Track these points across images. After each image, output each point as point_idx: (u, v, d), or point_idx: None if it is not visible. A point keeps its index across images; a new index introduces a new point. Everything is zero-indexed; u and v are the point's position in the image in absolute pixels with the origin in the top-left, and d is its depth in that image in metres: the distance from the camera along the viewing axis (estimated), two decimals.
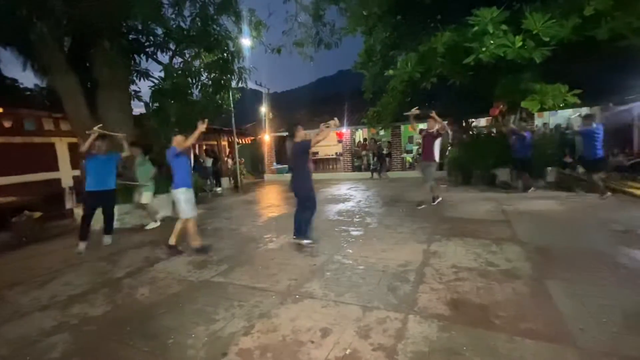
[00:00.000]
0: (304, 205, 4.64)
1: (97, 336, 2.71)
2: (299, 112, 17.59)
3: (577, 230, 4.74)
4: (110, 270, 4.26)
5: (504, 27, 5.70)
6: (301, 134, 4.60)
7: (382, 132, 15.42)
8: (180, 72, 8.62)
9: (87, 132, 4.86)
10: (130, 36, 8.17)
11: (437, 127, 6.52)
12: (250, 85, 12.15)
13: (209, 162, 12.25)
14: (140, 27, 8.14)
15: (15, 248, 5.61)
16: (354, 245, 4.62)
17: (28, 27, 6.27)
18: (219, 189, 12.40)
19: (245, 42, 10.21)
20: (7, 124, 7.89)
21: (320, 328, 2.55)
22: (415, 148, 16.43)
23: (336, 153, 17.12)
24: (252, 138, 17.50)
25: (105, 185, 5.20)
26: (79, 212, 6.20)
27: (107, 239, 5.41)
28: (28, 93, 9.88)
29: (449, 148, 11.70)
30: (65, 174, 8.96)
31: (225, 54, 9.11)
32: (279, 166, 17.17)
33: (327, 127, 4.54)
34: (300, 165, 4.60)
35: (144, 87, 8.47)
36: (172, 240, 4.78)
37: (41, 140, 8.53)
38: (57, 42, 6.77)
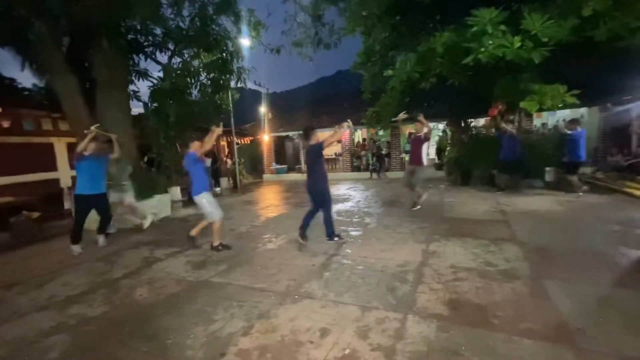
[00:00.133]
0: (321, 205, 4.76)
1: (95, 337, 2.71)
2: (299, 112, 17.58)
3: (576, 230, 4.75)
4: (109, 271, 4.25)
5: (502, 27, 5.71)
6: (316, 137, 4.70)
7: (381, 132, 15.42)
8: (179, 72, 8.62)
9: (85, 131, 4.81)
10: (129, 36, 8.16)
11: (425, 130, 6.42)
12: (250, 85, 12.16)
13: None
14: (139, 27, 8.14)
15: (14, 248, 5.59)
16: (353, 246, 4.62)
17: (26, 26, 6.26)
18: (218, 189, 12.38)
19: (245, 42, 10.21)
20: (5, 124, 7.86)
21: (319, 328, 2.55)
22: None
23: (335, 153, 17.13)
24: (251, 138, 17.49)
25: (98, 189, 5.07)
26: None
27: (101, 240, 5.33)
28: (26, 93, 9.85)
29: (448, 148, 11.72)
30: (64, 174, 8.93)
31: (224, 54, 9.12)
32: (278, 166, 17.17)
33: (341, 128, 4.68)
34: (315, 167, 4.71)
35: (142, 87, 8.47)
36: (193, 232, 4.87)
37: (40, 140, 8.50)
38: (55, 42, 6.75)
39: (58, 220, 7.41)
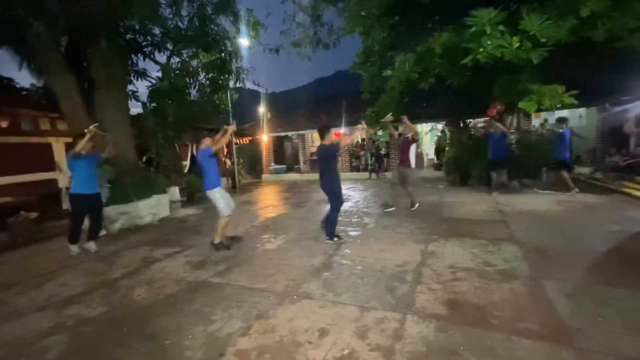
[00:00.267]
0: (334, 200, 4.85)
1: (93, 337, 2.70)
2: (297, 113, 17.57)
3: (574, 230, 4.76)
4: (108, 271, 4.24)
5: (501, 27, 5.73)
6: (331, 137, 4.78)
7: (380, 133, 15.42)
8: (177, 72, 8.62)
9: (85, 130, 4.77)
10: (128, 36, 8.15)
11: (411, 132, 6.38)
12: (248, 85, 12.15)
13: None
14: (137, 27, 8.13)
15: (12, 249, 5.58)
16: (352, 246, 4.62)
17: (24, 26, 6.23)
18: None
19: (243, 42, 10.20)
20: (3, 124, 7.84)
21: (318, 328, 2.55)
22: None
23: None
24: (250, 138, 17.48)
25: (94, 189, 5.01)
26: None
27: (93, 246, 5.08)
28: (24, 93, 9.83)
29: (447, 148, 11.73)
30: (62, 174, 8.91)
31: (223, 54, 9.12)
32: (277, 166, 17.16)
33: (356, 130, 4.85)
34: (328, 167, 4.81)
35: (141, 87, 8.46)
36: (216, 240, 4.81)
37: (38, 140, 8.47)
38: (53, 42, 6.73)
39: (56, 220, 7.39)
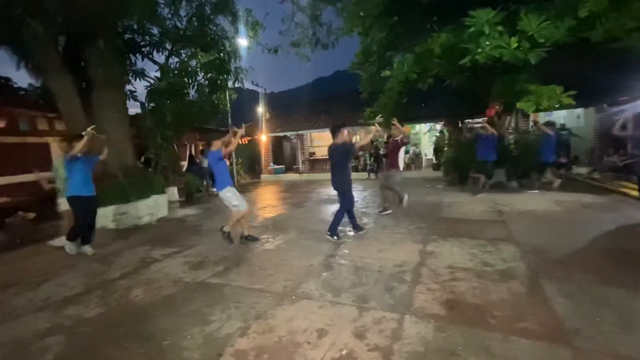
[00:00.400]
0: (342, 202, 4.94)
1: (91, 338, 2.69)
2: (296, 113, 17.57)
3: (573, 230, 4.76)
4: (106, 271, 4.22)
5: (499, 28, 5.74)
6: (343, 136, 4.84)
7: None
8: (176, 72, 8.60)
9: (82, 133, 4.74)
10: (126, 36, 8.14)
11: (400, 135, 6.36)
12: (247, 85, 12.14)
13: (205, 162, 12.20)
14: (136, 27, 8.12)
15: (9, 249, 5.55)
16: (351, 246, 4.62)
17: (22, 26, 6.21)
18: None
19: (242, 42, 10.19)
20: (1, 124, 7.81)
21: (316, 329, 2.54)
22: (411, 149, 16.46)
23: None
24: (249, 138, 17.48)
25: (91, 191, 4.91)
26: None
27: (89, 249, 4.96)
28: (22, 92, 9.80)
29: (445, 149, 11.75)
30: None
31: (221, 54, 9.11)
32: (276, 166, 17.15)
33: (369, 132, 4.94)
34: (340, 165, 4.88)
35: (139, 87, 8.44)
36: (226, 228, 4.92)
37: (35, 140, 8.44)
38: (51, 42, 6.71)
39: (54, 220, 7.35)
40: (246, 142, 17.65)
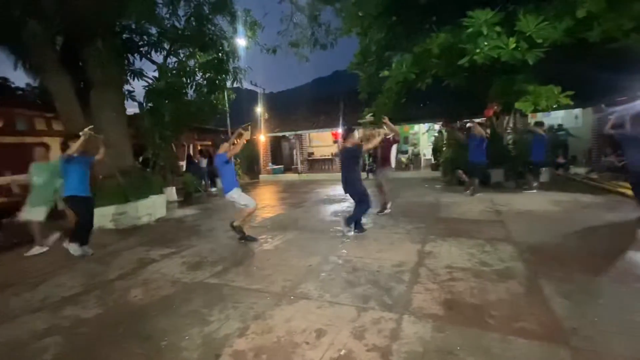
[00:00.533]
0: (361, 201, 5.00)
1: (89, 339, 2.68)
2: (295, 113, 17.56)
3: (571, 230, 4.77)
4: (104, 272, 4.21)
5: (497, 28, 5.75)
6: (354, 139, 4.94)
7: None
8: (174, 71, 8.59)
9: (79, 133, 4.72)
10: (124, 35, 8.13)
11: (392, 133, 6.29)
12: (246, 85, 12.13)
13: (203, 162, 12.20)
14: (134, 27, 8.10)
15: (7, 249, 5.53)
16: (349, 246, 4.62)
17: (20, 25, 6.19)
18: (213, 189, 12.35)
19: (241, 42, 10.19)
20: None
21: (315, 329, 2.54)
22: (410, 149, 16.47)
23: (332, 154, 17.13)
24: (248, 139, 17.48)
25: (87, 191, 4.84)
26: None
27: (87, 249, 4.90)
28: (20, 92, 9.78)
29: (444, 149, 11.76)
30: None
31: (220, 54, 9.11)
32: (275, 167, 17.14)
33: (379, 134, 5.11)
34: (350, 168, 4.96)
35: (138, 86, 8.42)
36: (236, 222, 5.10)
37: (33, 140, 8.41)
38: (49, 41, 6.70)
39: (51, 221, 7.33)
40: (245, 142, 17.67)
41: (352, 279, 3.47)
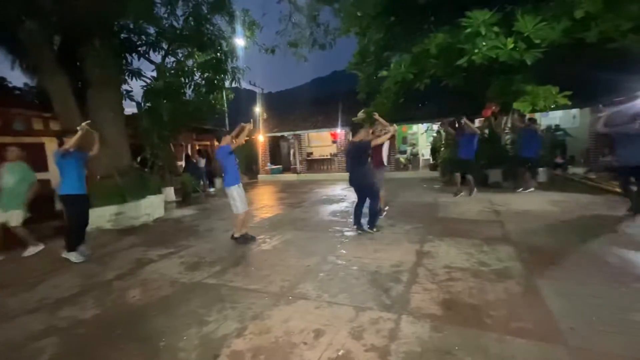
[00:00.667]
0: (370, 197, 5.04)
1: (86, 339, 2.67)
2: (294, 113, 17.55)
3: (569, 230, 4.78)
4: (101, 272, 4.20)
5: (496, 29, 5.76)
6: (362, 134, 4.95)
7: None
8: (172, 71, 8.58)
9: (77, 128, 4.66)
10: (122, 35, 8.10)
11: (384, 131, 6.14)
12: (244, 85, 12.12)
13: (202, 162, 12.18)
14: (132, 26, 8.08)
15: (3, 250, 5.50)
16: (348, 246, 4.62)
17: (17, 25, 6.16)
18: (212, 189, 12.34)
19: (239, 42, 10.17)
20: None
21: (313, 329, 2.54)
22: (409, 149, 16.48)
23: (330, 153, 17.14)
24: (246, 138, 17.48)
25: (83, 189, 4.74)
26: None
27: (84, 250, 4.81)
28: (17, 92, 9.73)
29: (442, 149, 11.77)
30: (55, 175, 8.82)
31: (218, 54, 9.09)
32: (273, 167, 17.13)
33: (388, 131, 5.16)
34: (359, 163, 4.97)
35: (136, 86, 8.40)
36: (236, 234, 5.09)
37: (30, 140, 8.39)
38: (46, 41, 6.67)
39: (49, 221, 7.31)
40: (244, 141, 17.66)
41: (350, 279, 3.47)
